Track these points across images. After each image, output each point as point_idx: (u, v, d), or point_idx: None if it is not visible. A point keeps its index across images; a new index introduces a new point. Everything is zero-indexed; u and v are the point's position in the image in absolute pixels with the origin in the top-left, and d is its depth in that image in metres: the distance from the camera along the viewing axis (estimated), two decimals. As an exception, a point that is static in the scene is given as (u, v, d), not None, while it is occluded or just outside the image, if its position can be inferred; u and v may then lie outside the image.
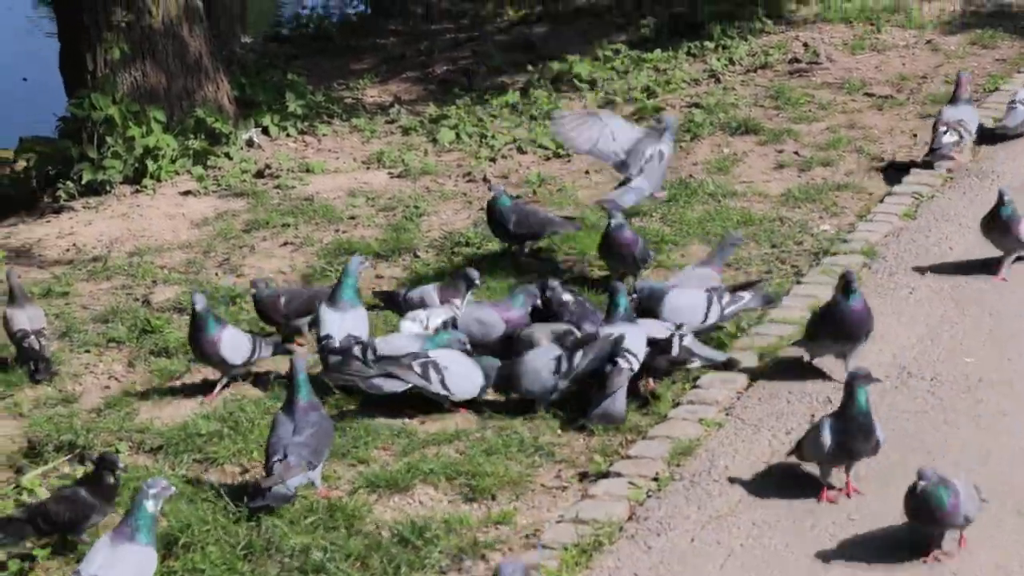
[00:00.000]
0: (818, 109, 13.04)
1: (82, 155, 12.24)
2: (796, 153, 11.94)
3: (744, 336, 8.72)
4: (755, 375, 8.25)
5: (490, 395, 8.18)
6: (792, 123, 12.67)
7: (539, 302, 8.75)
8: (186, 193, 12.14)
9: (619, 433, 7.75)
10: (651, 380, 8.17)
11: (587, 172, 11.91)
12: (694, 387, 8.15)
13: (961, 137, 11.21)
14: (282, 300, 9.07)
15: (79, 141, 12.33)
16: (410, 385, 7.99)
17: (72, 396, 8.71)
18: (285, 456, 7.07)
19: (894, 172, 11.28)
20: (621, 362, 7.81)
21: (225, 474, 7.60)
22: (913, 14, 15.52)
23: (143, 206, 11.93)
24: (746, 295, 8.70)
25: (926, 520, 6.47)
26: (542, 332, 8.38)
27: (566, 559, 6.65)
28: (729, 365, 8.32)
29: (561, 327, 8.41)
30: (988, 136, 11.68)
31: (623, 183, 9.97)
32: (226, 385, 8.56)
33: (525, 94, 14.13)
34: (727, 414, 7.87)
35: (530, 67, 15.10)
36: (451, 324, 8.60)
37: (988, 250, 9.43)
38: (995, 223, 9.30)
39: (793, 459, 7.22)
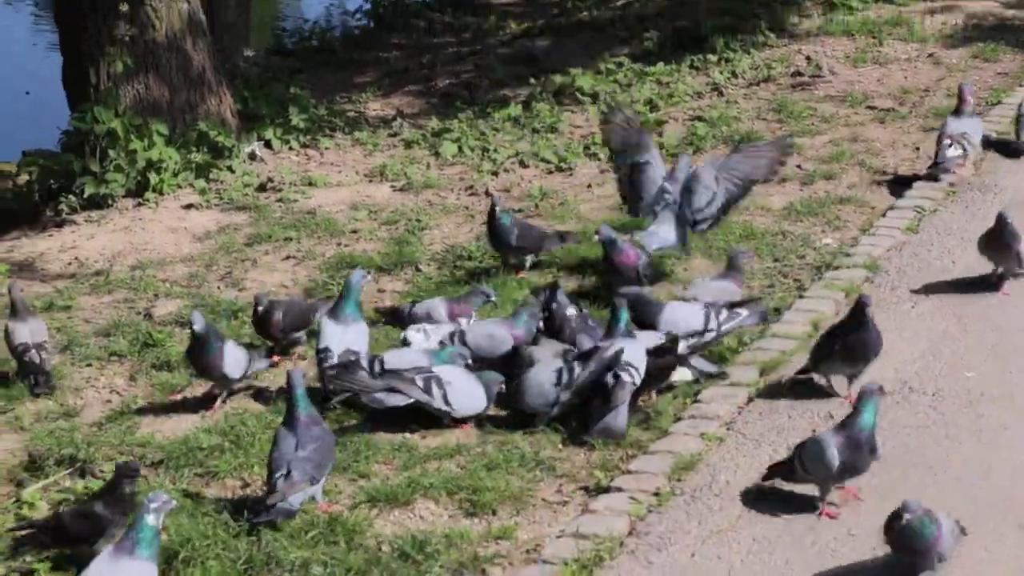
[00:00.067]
0: (820, 122, 13.05)
1: (84, 169, 12.24)
2: (799, 166, 11.94)
3: (746, 351, 8.71)
4: (756, 390, 8.24)
5: (491, 410, 8.17)
6: (795, 136, 12.65)
7: (543, 314, 8.75)
8: (188, 207, 12.15)
9: (620, 448, 7.75)
10: (654, 394, 8.16)
11: (589, 186, 11.92)
12: (695, 402, 8.14)
13: (965, 150, 11.21)
14: (279, 314, 9.06)
15: (82, 155, 12.34)
16: (412, 400, 7.98)
17: (73, 410, 8.70)
18: (288, 471, 7.06)
19: (899, 185, 11.27)
20: (623, 376, 7.80)
21: (226, 488, 7.59)
22: (915, 27, 15.52)
23: (145, 219, 11.93)
24: (743, 312, 8.69)
25: (907, 551, 6.40)
26: (543, 352, 8.36)
27: (567, 574, 6.64)
28: (720, 377, 8.32)
29: (562, 347, 8.38)
30: (1006, 150, 11.68)
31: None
32: (225, 399, 8.56)
33: (528, 107, 14.14)
34: (728, 429, 7.86)
35: (532, 80, 15.12)
36: (459, 337, 8.58)
37: (990, 265, 9.43)
38: (995, 243, 9.25)
39: (775, 483, 7.20)
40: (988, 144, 11.79)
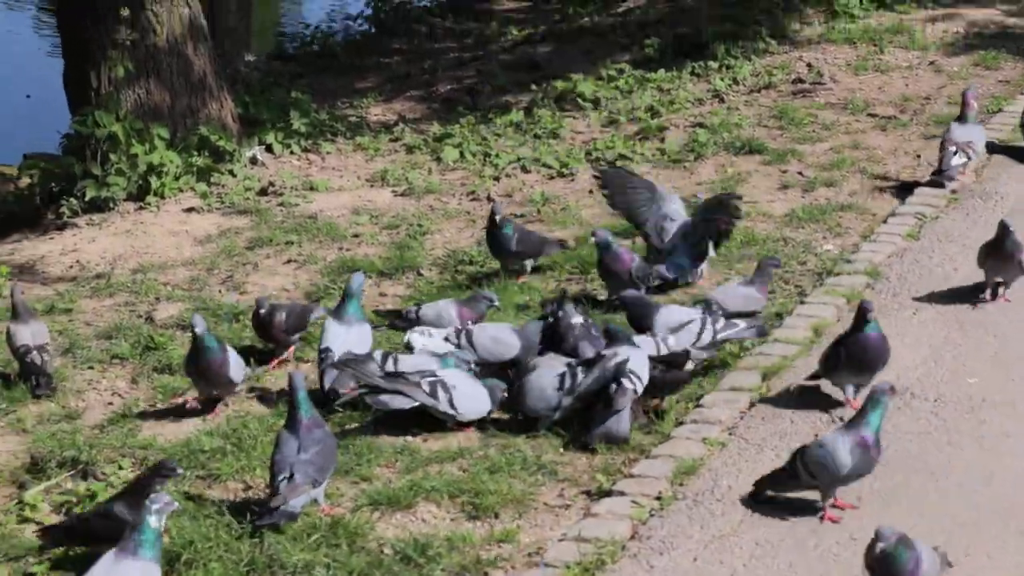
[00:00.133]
0: (822, 129, 13.05)
1: (86, 172, 12.25)
2: (800, 173, 11.95)
3: (748, 356, 8.71)
4: (758, 395, 8.24)
5: (494, 413, 8.18)
6: (796, 143, 12.68)
7: (548, 320, 8.76)
8: (190, 210, 12.15)
9: (622, 452, 7.74)
10: (661, 399, 8.17)
11: (591, 191, 11.91)
12: (697, 406, 8.14)
13: (969, 158, 11.21)
14: (283, 317, 9.06)
15: (83, 158, 12.34)
16: (416, 403, 7.99)
17: (75, 412, 8.71)
18: (291, 475, 7.06)
19: (904, 190, 11.27)
20: (626, 382, 7.80)
21: (228, 491, 7.59)
22: (916, 35, 15.52)
23: (147, 223, 11.94)
24: (741, 323, 8.69)
25: None
26: (547, 359, 8.36)
27: (568, 577, 6.66)
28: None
29: (564, 360, 8.37)
30: (1019, 155, 11.77)
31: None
32: (227, 403, 8.59)
33: (529, 113, 14.15)
34: (730, 434, 7.86)
35: (534, 86, 15.14)
36: (465, 337, 8.57)
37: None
38: (997, 252, 9.22)
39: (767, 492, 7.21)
40: (995, 149, 11.80)
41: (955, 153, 11.15)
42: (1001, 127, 12.44)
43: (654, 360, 8.12)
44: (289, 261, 10.93)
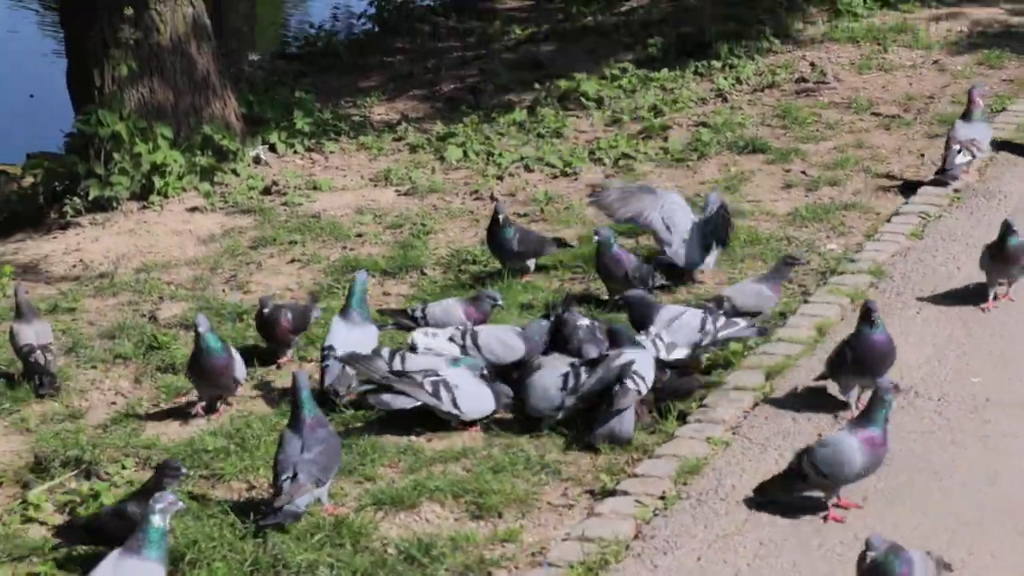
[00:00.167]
0: (825, 129, 13.04)
1: (89, 171, 12.24)
2: (803, 172, 11.94)
3: (751, 355, 8.71)
4: (762, 394, 8.24)
5: (497, 414, 8.18)
6: (799, 142, 12.68)
7: (553, 319, 8.76)
8: (193, 210, 12.15)
9: (625, 451, 7.75)
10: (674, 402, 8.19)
11: (594, 190, 11.92)
12: (701, 406, 8.14)
13: (973, 156, 11.20)
14: (288, 316, 9.06)
15: (86, 157, 12.34)
16: (419, 403, 7.99)
17: (78, 412, 8.71)
18: (295, 474, 7.06)
19: (909, 189, 11.27)
20: (628, 383, 7.79)
21: (232, 490, 7.60)
22: (920, 34, 15.51)
23: (150, 222, 11.94)
24: (741, 322, 8.69)
25: None
26: (551, 359, 8.36)
27: (572, 577, 6.66)
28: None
29: (568, 360, 8.36)
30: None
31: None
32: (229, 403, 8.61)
33: (532, 112, 14.14)
34: (734, 433, 7.85)
35: (537, 85, 15.13)
36: (470, 337, 8.56)
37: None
38: (1002, 252, 9.16)
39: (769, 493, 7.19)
40: (1001, 146, 11.80)
41: (959, 152, 11.13)
42: (1004, 126, 12.43)
43: (666, 365, 8.12)
44: (293, 260, 10.94)
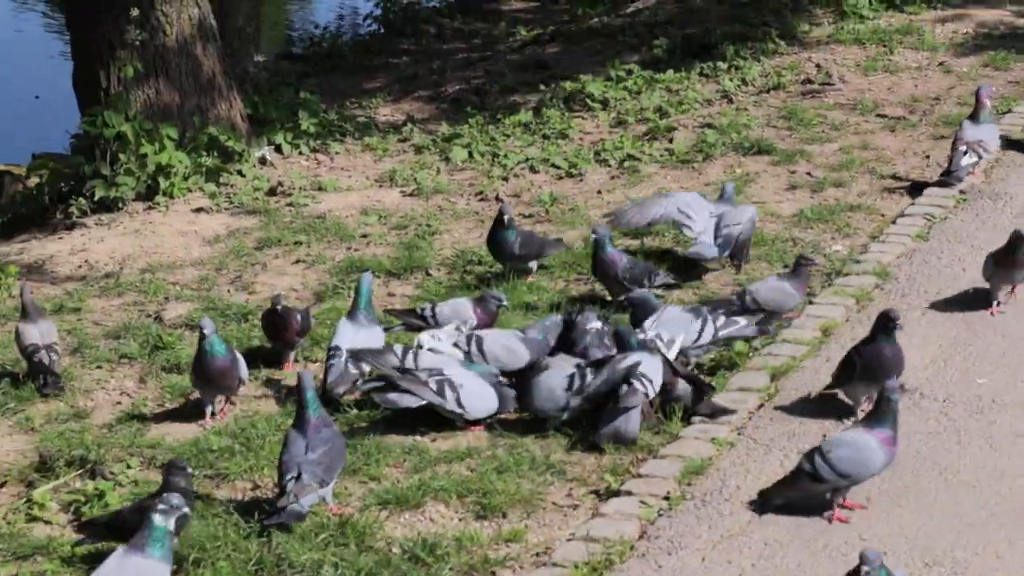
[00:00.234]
0: (831, 130, 13.03)
1: (95, 172, 12.25)
2: (809, 174, 11.94)
3: (756, 356, 8.70)
4: (767, 395, 8.24)
5: (502, 414, 8.18)
6: (805, 144, 12.67)
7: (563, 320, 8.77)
8: (198, 210, 12.15)
9: (630, 452, 7.75)
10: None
11: (599, 192, 11.93)
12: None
13: (979, 157, 11.18)
14: (298, 318, 9.07)
15: (92, 158, 12.35)
16: (424, 401, 7.99)
17: (83, 411, 8.71)
18: (299, 474, 7.07)
19: (916, 190, 11.26)
20: (636, 383, 7.79)
21: (236, 490, 7.60)
22: (926, 36, 15.50)
23: (155, 223, 11.94)
24: (742, 320, 8.71)
25: None
26: (557, 360, 8.36)
27: (577, 577, 6.66)
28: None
29: (574, 361, 8.34)
30: None
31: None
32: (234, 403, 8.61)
33: (538, 113, 14.14)
34: (739, 433, 7.85)
35: (542, 86, 15.13)
36: (476, 343, 8.55)
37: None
38: (1011, 260, 9.08)
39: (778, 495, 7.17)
40: (1009, 144, 11.79)
41: (965, 153, 11.11)
42: (1011, 127, 12.42)
43: (676, 374, 8.13)
44: (298, 261, 10.94)
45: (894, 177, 11.70)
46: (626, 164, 12.50)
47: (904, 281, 9.65)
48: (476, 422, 8.07)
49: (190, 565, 6.84)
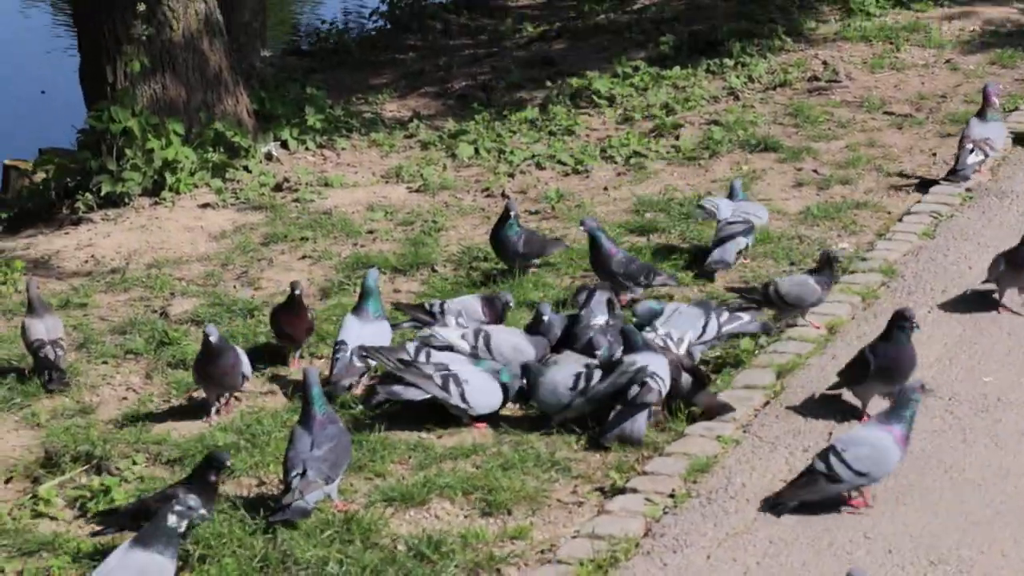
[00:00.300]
0: (837, 127, 13.03)
1: (101, 167, 12.25)
2: (815, 171, 11.93)
3: (762, 353, 8.70)
4: (772, 392, 8.23)
5: (507, 410, 8.18)
6: (811, 141, 12.67)
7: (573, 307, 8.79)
8: (205, 206, 12.16)
9: (635, 449, 7.74)
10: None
11: (605, 189, 11.93)
12: (711, 405, 8.14)
13: (986, 155, 11.17)
14: (311, 315, 9.07)
15: (98, 153, 12.35)
16: (429, 395, 7.99)
17: (89, 407, 8.72)
18: (304, 471, 7.07)
19: (924, 187, 11.25)
20: (651, 382, 7.77)
21: (241, 486, 7.60)
22: (932, 33, 15.49)
23: (162, 218, 11.95)
24: (745, 316, 8.72)
25: None
26: (565, 357, 8.37)
27: (582, 574, 6.64)
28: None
29: (584, 360, 8.33)
30: None
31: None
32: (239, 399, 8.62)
33: (544, 110, 14.14)
34: (744, 431, 7.85)
35: (549, 83, 15.14)
36: (483, 339, 8.55)
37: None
38: (1020, 260, 9.07)
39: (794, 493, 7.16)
40: (1020, 139, 11.81)
41: (971, 151, 11.10)
42: (1017, 125, 12.41)
43: (684, 369, 8.13)
44: (304, 257, 10.94)
45: (901, 175, 11.70)
46: (632, 161, 12.50)
47: (910, 279, 9.64)
48: (481, 418, 8.06)
49: (196, 561, 6.84)
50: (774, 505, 7.07)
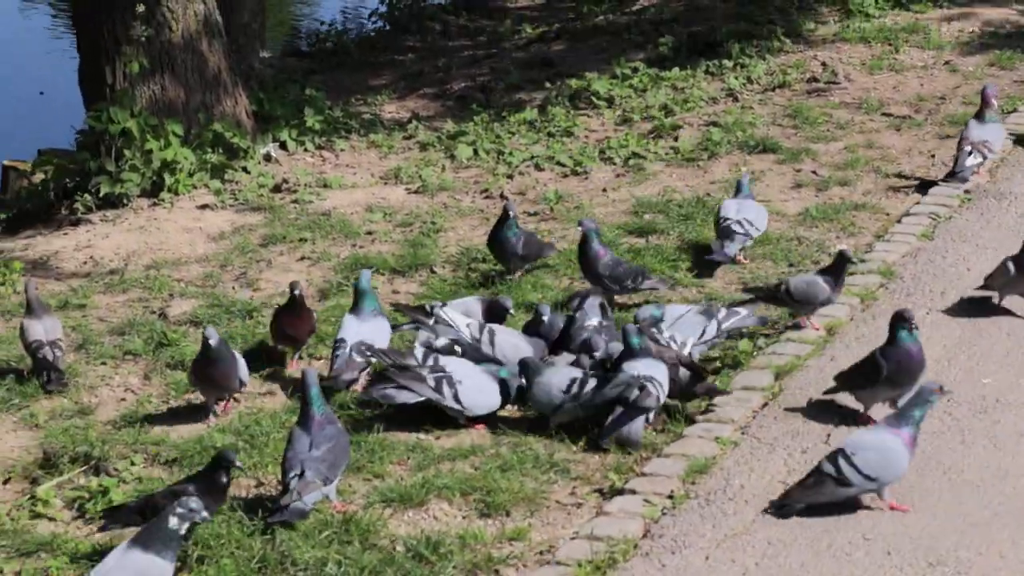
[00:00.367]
0: (836, 129, 13.03)
1: (100, 168, 12.25)
2: (814, 172, 11.93)
3: (761, 355, 8.70)
4: (771, 394, 8.23)
5: (505, 411, 8.19)
6: (810, 142, 12.67)
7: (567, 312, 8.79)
8: (203, 207, 12.15)
9: (634, 451, 7.74)
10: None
11: (604, 190, 11.92)
12: (710, 405, 8.13)
13: (984, 157, 11.17)
14: (314, 314, 9.08)
15: (97, 154, 12.35)
16: (423, 398, 7.99)
17: (88, 408, 8.72)
18: (302, 472, 7.07)
19: (924, 188, 11.25)
20: (650, 387, 7.77)
21: (240, 487, 7.59)
22: (932, 35, 15.49)
23: (160, 219, 11.95)
24: (743, 311, 8.77)
25: None
26: (562, 361, 8.38)
27: (580, 575, 6.66)
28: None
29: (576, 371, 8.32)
30: None
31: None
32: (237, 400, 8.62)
33: (543, 111, 14.14)
34: (743, 433, 7.85)
35: (548, 84, 15.14)
36: (488, 336, 8.55)
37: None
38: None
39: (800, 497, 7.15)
40: (1021, 141, 11.83)
41: (970, 153, 11.11)
42: (1016, 127, 12.41)
43: (682, 364, 8.13)
44: (303, 258, 10.94)
45: (899, 176, 11.70)
46: (631, 162, 12.50)
47: (909, 280, 9.64)
48: (479, 419, 8.06)
49: (194, 562, 6.84)
50: (780, 506, 7.07)
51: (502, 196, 11.89)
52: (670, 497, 7.23)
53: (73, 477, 7.84)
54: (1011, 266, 9.02)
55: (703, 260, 10.07)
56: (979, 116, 11.33)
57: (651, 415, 7.88)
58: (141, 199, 12.29)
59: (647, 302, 9.30)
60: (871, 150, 12.39)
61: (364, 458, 7.73)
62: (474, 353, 8.49)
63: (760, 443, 7.72)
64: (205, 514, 6.50)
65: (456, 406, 8.01)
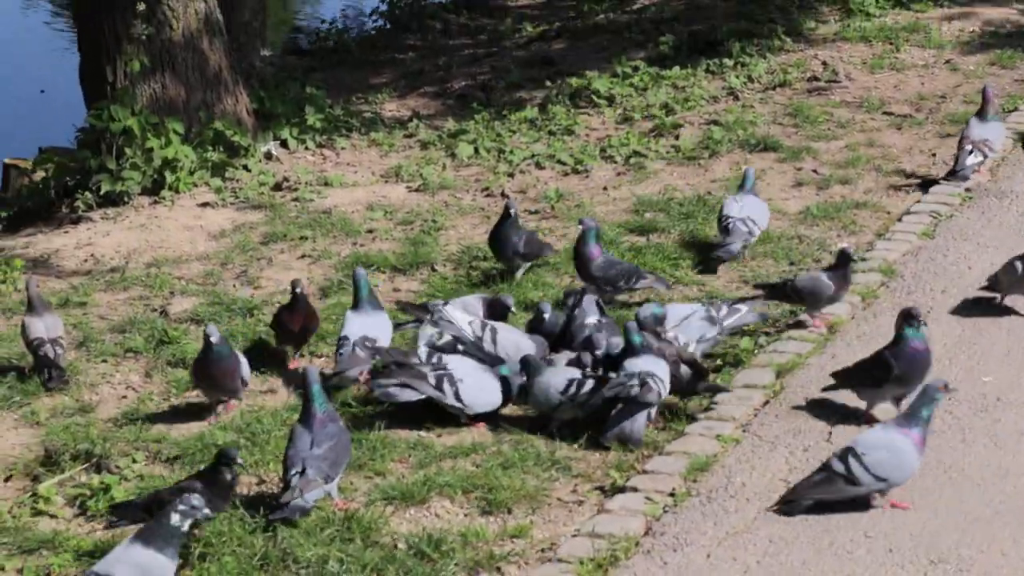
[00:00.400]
0: (837, 127, 13.03)
1: (101, 166, 12.25)
2: (815, 171, 11.93)
3: (762, 353, 8.71)
4: (772, 392, 8.23)
5: (507, 409, 8.18)
6: (811, 141, 12.67)
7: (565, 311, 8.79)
8: (204, 205, 12.16)
9: (635, 449, 7.74)
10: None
11: (605, 188, 11.92)
12: (711, 403, 8.14)
13: (985, 156, 11.17)
14: (317, 313, 9.08)
15: (98, 152, 12.35)
16: (424, 396, 7.99)
17: (89, 405, 8.72)
18: (303, 469, 7.07)
19: (920, 189, 11.25)
20: (651, 382, 7.77)
21: (241, 485, 7.57)
22: (932, 34, 15.50)
23: (161, 217, 11.95)
24: (743, 307, 8.78)
25: None
26: (561, 360, 8.38)
27: (582, 573, 6.64)
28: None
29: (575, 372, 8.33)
30: None
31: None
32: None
33: (544, 110, 14.14)
34: (744, 431, 7.85)
35: (548, 83, 15.14)
36: (490, 333, 8.56)
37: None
38: None
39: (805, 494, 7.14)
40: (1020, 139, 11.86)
41: (971, 152, 11.11)
42: (1016, 125, 12.41)
43: (684, 362, 8.14)
44: (303, 256, 10.94)
45: (900, 175, 11.70)
46: (632, 161, 12.50)
47: (910, 279, 9.65)
48: (481, 417, 8.06)
49: (196, 559, 6.84)
50: (787, 503, 7.07)
51: (503, 194, 11.89)
52: (671, 495, 7.24)
53: (74, 475, 7.84)
54: (1019, 265, 8.99)
55: (706, 258, 10.09)
56: (980, 115, 11.33)
57: (653, 412, 7.88)
58: (142, 197, 12.30)
59: (648, 300, 9.30)
60: (872, 149, 12.39)
61: (365, 456, 7.73)
62: (476, 351, 8.48)
63: (761, 441, 7.72)
64: (207, 511, 6.51)
65: (457, 404, 8.01)
